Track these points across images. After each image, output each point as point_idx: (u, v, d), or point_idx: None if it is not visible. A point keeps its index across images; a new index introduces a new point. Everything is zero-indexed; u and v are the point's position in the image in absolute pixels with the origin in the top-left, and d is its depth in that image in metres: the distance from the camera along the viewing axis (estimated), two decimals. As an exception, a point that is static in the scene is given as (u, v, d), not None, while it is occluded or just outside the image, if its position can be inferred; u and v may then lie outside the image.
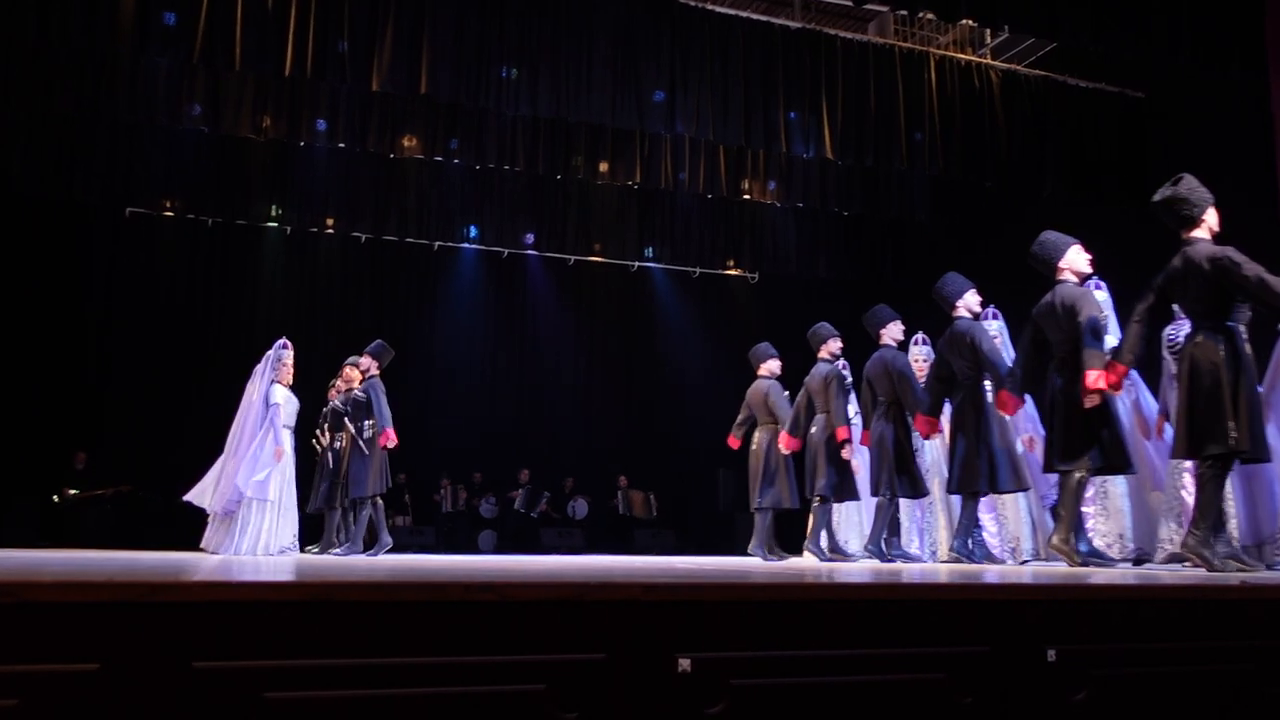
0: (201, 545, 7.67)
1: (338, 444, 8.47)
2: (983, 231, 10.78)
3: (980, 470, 5.98)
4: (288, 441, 7.76)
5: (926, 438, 6.76)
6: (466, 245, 12.59)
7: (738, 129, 8.73)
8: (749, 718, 2.14)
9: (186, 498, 7.74)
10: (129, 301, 11.72)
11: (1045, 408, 5.46)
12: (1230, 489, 5.25)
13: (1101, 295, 6.12)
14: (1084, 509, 5.97)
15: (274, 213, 11.77)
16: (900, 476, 6.77)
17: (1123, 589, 2.80)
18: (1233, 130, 8.26)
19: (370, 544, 7.97)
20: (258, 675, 1.83)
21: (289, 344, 7.99)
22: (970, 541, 6.15)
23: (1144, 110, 9.52)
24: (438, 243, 12.38)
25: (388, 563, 5.52)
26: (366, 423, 8.06)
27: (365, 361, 8.39)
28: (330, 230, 11.98)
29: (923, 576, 3.43)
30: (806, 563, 6.83)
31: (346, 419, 8.30)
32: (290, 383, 7.90)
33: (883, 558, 6.81)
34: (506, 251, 12.75)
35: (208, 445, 11.43)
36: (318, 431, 8.81)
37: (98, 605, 1.78)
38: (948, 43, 9.83)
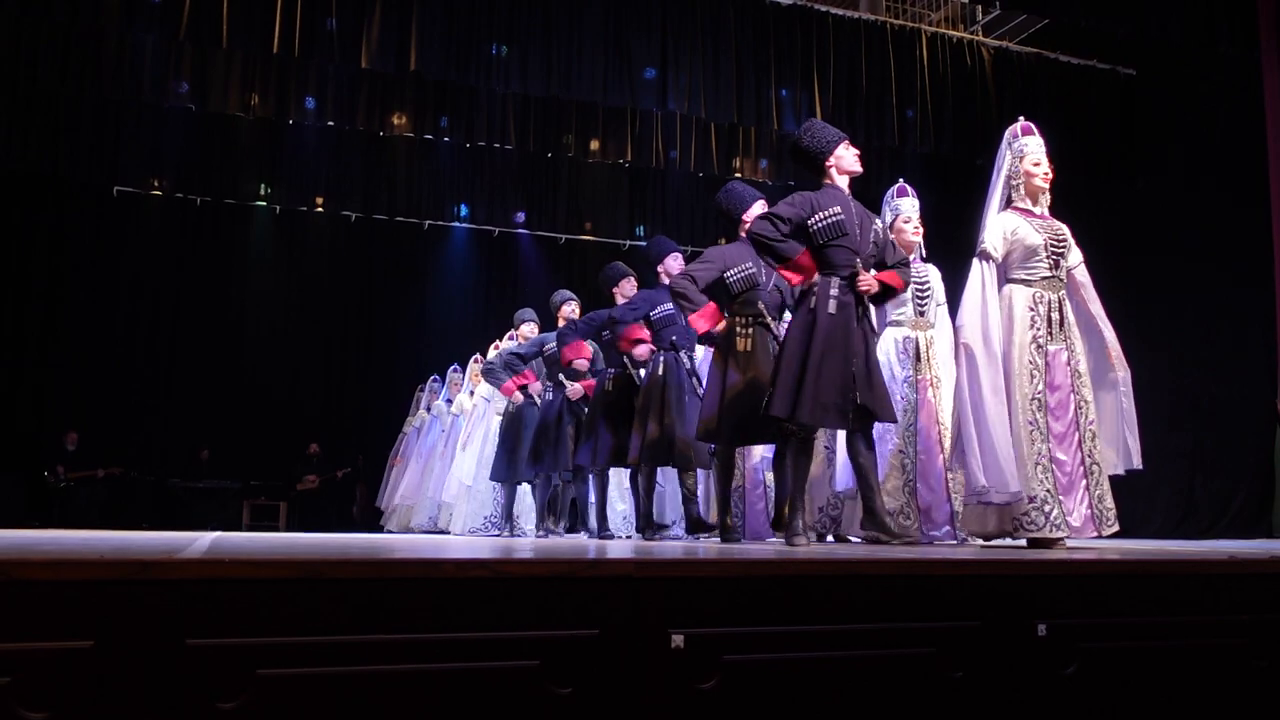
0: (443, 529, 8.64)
1: None
2: (973, 209, 10.74)
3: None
4: None
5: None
6: (457, 224, 12.54)
7: (729, 106, 8.68)
8: (741, 693, 2.15)
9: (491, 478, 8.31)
10: (117, 280, 11.66)
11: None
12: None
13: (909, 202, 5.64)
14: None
15: (263, 191, 11.71)
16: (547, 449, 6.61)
17: (1113, 564, 2.81)
18: (1224, 107, 8.25)
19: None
20: (250, 652, 1.83)
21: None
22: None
23: (1135, 87, 9.50)
24: (428, 221, 12.33)
25: (378, 540, 5.51)
26: None
27: None
28: (320, 209, 11.92)
29: (914, 552, 3.45)
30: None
31: None
32: None
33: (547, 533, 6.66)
34: (497, 230, 12.69)
35: (195, 425, 11.50)
36: None
37: (91, 583, 1.78)
38: (939, 19, 9.78)
